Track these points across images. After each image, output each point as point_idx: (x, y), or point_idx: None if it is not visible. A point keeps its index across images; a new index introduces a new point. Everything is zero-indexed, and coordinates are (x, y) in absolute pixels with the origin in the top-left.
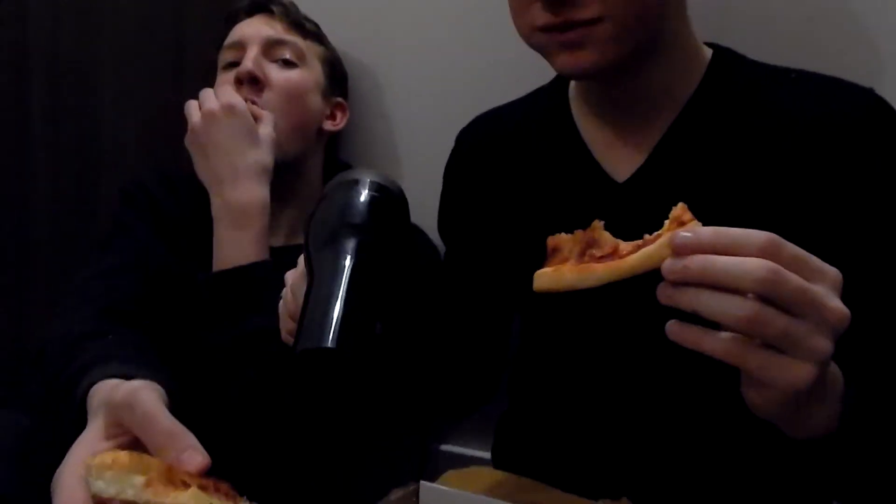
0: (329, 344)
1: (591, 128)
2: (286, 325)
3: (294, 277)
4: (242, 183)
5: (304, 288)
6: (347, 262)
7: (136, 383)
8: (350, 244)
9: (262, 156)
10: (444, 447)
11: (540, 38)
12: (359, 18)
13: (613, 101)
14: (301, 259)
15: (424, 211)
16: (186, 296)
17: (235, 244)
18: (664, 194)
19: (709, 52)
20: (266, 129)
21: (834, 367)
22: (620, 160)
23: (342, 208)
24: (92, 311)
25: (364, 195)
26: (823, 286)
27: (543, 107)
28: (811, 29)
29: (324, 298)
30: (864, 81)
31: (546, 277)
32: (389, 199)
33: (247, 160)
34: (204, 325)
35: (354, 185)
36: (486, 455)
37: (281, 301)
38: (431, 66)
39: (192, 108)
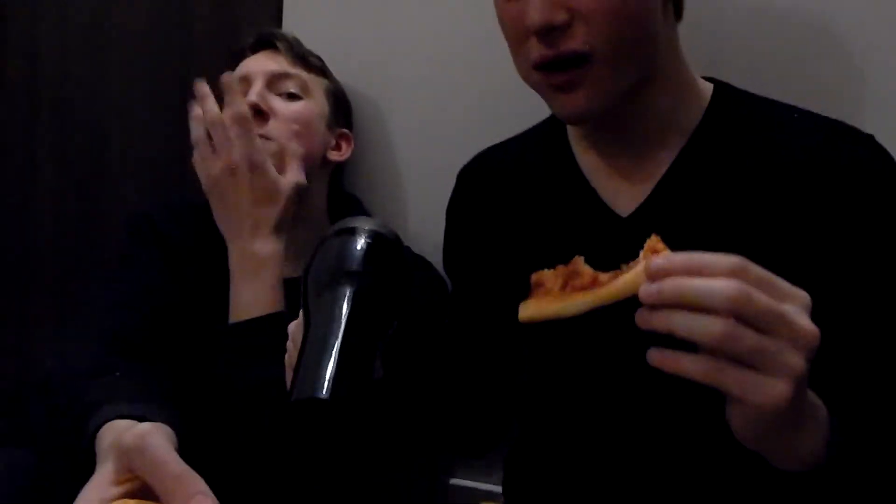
0: (322, 394)
1: (592, 162)
2: (289, 377)
3: (295, 329)
4: (261, 236)
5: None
6: (343, 308)
7: (146, 426)
8: (346, 291)
9: (283, 210)
10: (455, 481)
11: (536, 79)
12: (363, 52)
13: (612, 136)
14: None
15: (430, 241)
16: (194, 329)
17: (251, 295)
18: (668, 228)
19: (709, 86)
20: (292, 178)
21: (815, 399)
22: (622, 194)
23: (338, 256)
24: (99, 344)
25: (360, 243)
26: (793, 306)
27: (543, 142)
28: (801, 65)
29: (319, 347)
30: (854, 118)
31: (530, 307)
32: (385, 245)
33: (267, 215)
34: (219, 373)
35: (350, 233)
36: (498, 489)
37: (286, 354)
38: (435, 98)
39: (209, 160)
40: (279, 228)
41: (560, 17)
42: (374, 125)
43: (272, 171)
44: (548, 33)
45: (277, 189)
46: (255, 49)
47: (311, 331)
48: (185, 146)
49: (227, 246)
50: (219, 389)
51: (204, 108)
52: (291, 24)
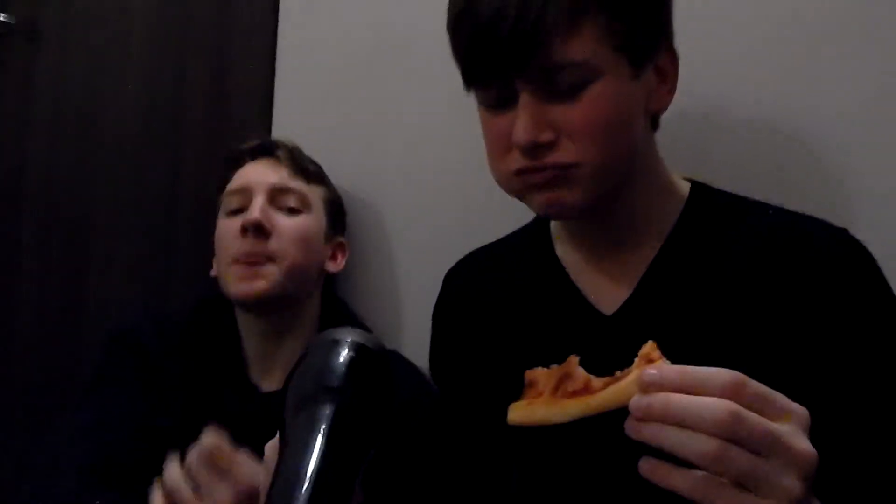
0: None
1: (576, 262)
2: None
3: (271, 450)
4: None
5: None
6: (321, 430)
7: None
8: (326, 410)
9: None
10: None
11: (516, 183)
12: (353, 154)
13: (594, 236)
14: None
15: (424, 345)
16: (173, 452)
17: None
18: (651, 327)
19: (686, 185)
20: None
21: None
22: (606, 293)
23: (319, 371)
24: (73, 472)
25: (342, 356)
26: (789, 426)
27: (527, 244)
28: (779, 167)
29: (291, 477)
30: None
31: (519, 411)
32: (370, 359)
33: None
34: None
35: (332, 345)
36: None
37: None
38: (429, 201)
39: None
40: None
41: (546, 136)
42: (365, 230)
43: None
44: (534, 150)
45: None
46: (255, 156)
47: (286, 454)
48: (169, 245)
49: None
50: None
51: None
52: (281, 127)
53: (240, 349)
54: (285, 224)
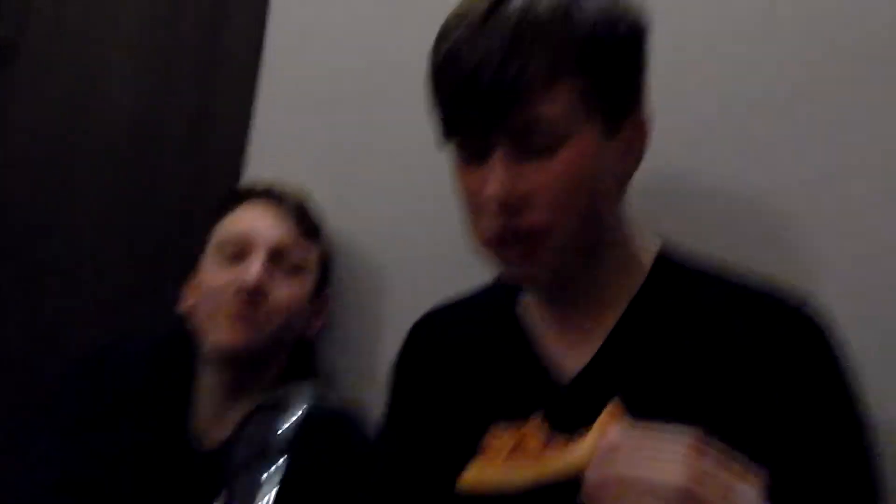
0: None
1: (538, 325)
2: None
3: None
4: None
5: None
6: (269, 494)
7: None
8: (274, 474)
9: None
10: None
11: (487, 252)
12: (337, 192)
13: (557, 302)
14: None
15: None
16: (123, 479)
17: None
18: (609, 393)
19: (652, 253)
20: None
21: None
22: (567, 357)
23: (265, 433)
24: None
25: (291, 418)
26: (747, 489)
27: (492, 302)
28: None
29: None
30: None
31: (470, 476)
32: (320, 422)
33: None
34: None
35: (281, 407)
36: None
37: None
38: (413, 243)
39: None
40: None
41: (519, 191)
42: (345, 269)
43: None
44: (507, 206)
45: None
46: (260, 197)
47: None
48: (137, 269)
49: None
50: None
51: None
52: (258, 166)
53: (189, 397)
54: (281, 291)
